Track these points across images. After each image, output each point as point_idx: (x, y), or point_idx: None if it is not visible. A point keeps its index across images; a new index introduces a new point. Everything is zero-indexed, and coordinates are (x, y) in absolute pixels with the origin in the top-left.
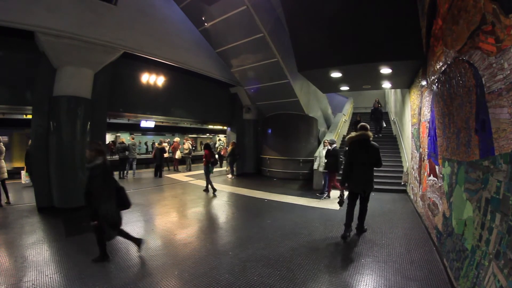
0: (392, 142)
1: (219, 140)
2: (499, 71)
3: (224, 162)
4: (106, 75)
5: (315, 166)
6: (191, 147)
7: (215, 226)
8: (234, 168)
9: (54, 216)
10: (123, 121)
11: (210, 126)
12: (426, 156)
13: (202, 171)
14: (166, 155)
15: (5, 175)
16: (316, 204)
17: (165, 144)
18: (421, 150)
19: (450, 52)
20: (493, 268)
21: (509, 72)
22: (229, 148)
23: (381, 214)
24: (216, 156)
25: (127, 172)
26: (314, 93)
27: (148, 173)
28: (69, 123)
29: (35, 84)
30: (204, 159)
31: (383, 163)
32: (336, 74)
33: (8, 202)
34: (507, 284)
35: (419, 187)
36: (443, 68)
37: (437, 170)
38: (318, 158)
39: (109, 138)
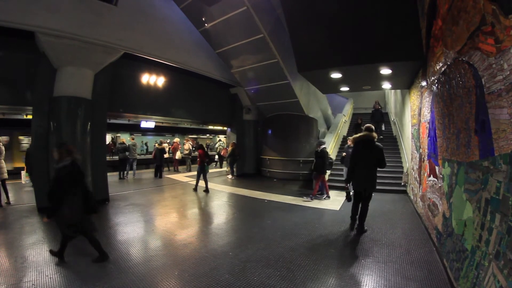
0: (392, 142)
1: (219, 140)
2: (498, 72)
3: (224, 162)
4: (106, 76)
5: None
6: (191, 148)
7: (215, 227)
8: (234, 169)
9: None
10: (124, 121)
11: (210, 127)
12: (426, 157)
13: None
14: (166, 155)
15: (5, 175)
16: (316, 205)
17: (165, 145)
18: (421, 151)
19: (450, 52)
20: (493, 268)
21: (508, 72)
22: (229, 149)
23: (381, 215)
24: (216, 156)
25: (127, 173)
26: (314, 94)
27: (148, 173)
28: (69, 123)
29: (35, 84)
30: (198, 159)
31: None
32: (336, 75)
33: (8, 202)
34: (507, 285)
35: (419, 187)
36: (443, 69)
37: (437, 170)
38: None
39: (108, 138)
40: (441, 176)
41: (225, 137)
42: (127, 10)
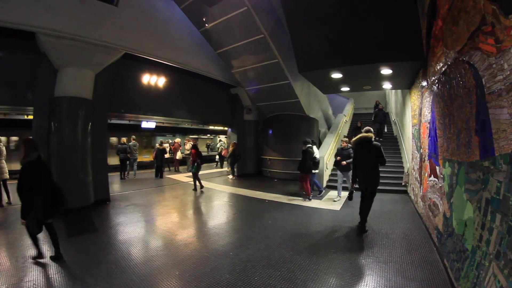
0: (393, 142)
1: (220, 141)
2: (499, 72)
3: (225, 162)
4: (107, 76)
5: None
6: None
7: (216, 227)
8: (235, 169)
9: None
10: (124, 122)
11: (211, 127)
12: (427, 157)
13: (203, 172)
14: (167, 155)
15: (6, 175)
16: (316, 205)
17: (165, 145)
18: (421, 151)
19: (450, 52)
20: (493, 268)
21: (509, 72)
22: (230, 149)
23: (381, 215)
24: (217, 157)
25: (128, 173)
26: (314, 94)
27: (149, 173)
28: (70, 123)
29: (36, 85)
30: (191, 159)
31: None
32: (336, 75)
33: (9, 203)
34: (507, 285)
35: (420, 187)
36: (443, 69)
37: (437, 170)
38: None
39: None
40: (441, 176)
41: (225, 137)
42: (128, 11)
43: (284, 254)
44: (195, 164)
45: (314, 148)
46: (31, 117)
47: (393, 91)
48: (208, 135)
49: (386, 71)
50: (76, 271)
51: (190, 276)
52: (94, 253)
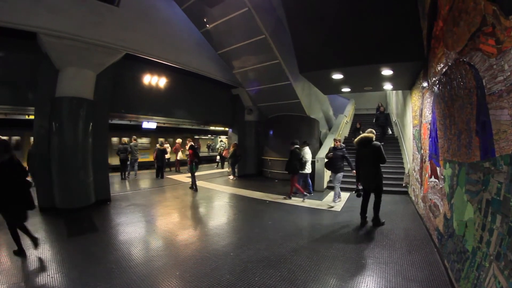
0: (394, 143)
1: (221, 141)
2: (499, 73)
3: (226, 163)
4: (108, 76)
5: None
6: None
7: (217, 227)
8: (236, 170)
9: (55, 217)
10: (125, 122)
11: (212, 128)
12: (427, 158)
13: (204, 172)
14: (168, 156)
15: None
16: (317, 206)
17: (166, 145)
18: (422, 152)
19: (451, 53)
20: (493, 269)
21: (509, 73)
22: (231, 149)
23: (382, 215)
24: (218, 157)
25: (128, 173)
26: (315, 95)
27: (149, 174)
28: (71, 123)
29: (37, 85)
30: (188, 159)
31: (385, 164)
32: (337, 76)
33: None
34: (507, 286)
35: (420, 188)
36: (444, 70)
37: (438, 171)
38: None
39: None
40: (442, 177)
41: (226, 137)
42: (129, 11)
43: (284, 255)
44: (193, 163)
45: (307, 148)
46: (32, 117)
47: (394, 92)
48: (209, 135)
49: (386, 71)
50: (76, 271)
51: (190, 276)
52: (95, 253)
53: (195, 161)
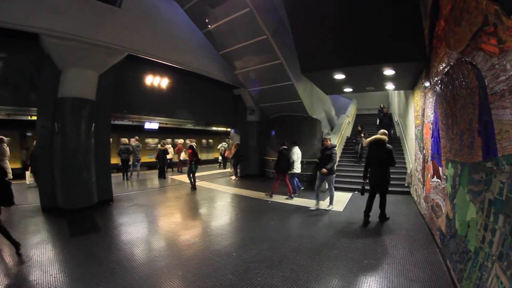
0: (396, 143)
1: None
2: (501, 73)
3: (228, 163)
4: (110, 77)
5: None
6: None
7: (219, 227)
8: (238, 170)
9: (58, 217)
10: (127, 122)
11: (214, 128)
12: (430, 158)
13: (206, 173)
14: (169, 156)
15: (10, 175)
16: (319, 206)
17: (168, 146)
18: (424, 152)
19: (453, 53)
20: (496, 269)
21: (511, 73)
22: (233, 150)
23: None
24: (220, 158)
25: (131, 174)
26: (317, 95)
27: (152, 174)
28: (73, 124)
29: (40, 86)
30: (188, 159)
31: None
32: (339, 76)
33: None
34: (510, 286)
35: (423, 188)
36: (446, 70)
37: (440, 171)
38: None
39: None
40: (444, 177)
41: (228, 138)
42: (131, 12)
43: (286, 255)
44: (192, 163)
45: (295, 148)
46: (34, 117)
47: (396, 91)
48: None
49: (388, 71)
50: (78, 271)
51: (193, 276)
52: (97, 253)
53: (194, 160)
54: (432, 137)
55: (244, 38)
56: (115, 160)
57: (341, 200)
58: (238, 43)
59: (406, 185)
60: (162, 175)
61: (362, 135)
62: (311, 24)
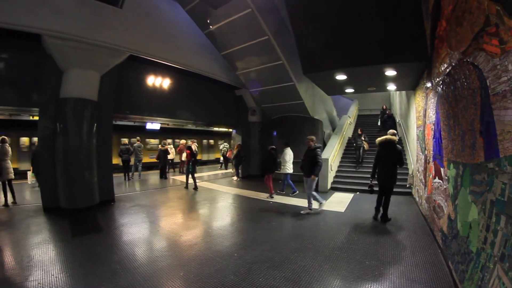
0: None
1: (224, 142)
2: (503, 73)
3: (230, 164)
4: (112, 77)
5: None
6: (196, 150)
7: (221, 228)
8: (240, 170)
9: (60, 217)
10: (129, 123)
11: (216, 129)
12: (431, 158)
13: (207, 173)
14: (170, 156)
15: (11, 175)
16: (321, 207)
17: (169, 146)
18: (426, 152)
19: (455, 53)
20: (498, 270)
21: None
22: (235, 150)
23: None
24: (222, 158)
25: (132, 174)
26: (319, 95)
27: (153, 174)
28: (75, 124)
29: (42, 86)
30: (186, 159)
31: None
32: (341, 76)
33: (14, 202)
34: None
35: (424, 189)
36: (447, 70)
37: (442, 172)
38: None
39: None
40: (446, 177)
41: (224, 141)
42: (132, 13)
43: (288, 256)
44: (190, 163)
45: (286, 149)
46: (36, 118)
47: (398, 92)
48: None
49: (390, 72)
50: (80, 271)
51: (194, 277)
52: (99, 253)
53: (191, 161)
54: (434, 138)
55: (245, 38)
56: (115, 161)
57: (342, 201)
58: (239, 43)
59: (407, 186)
60: (163, 176)
61: (363, 138)
62: (313, 24)
